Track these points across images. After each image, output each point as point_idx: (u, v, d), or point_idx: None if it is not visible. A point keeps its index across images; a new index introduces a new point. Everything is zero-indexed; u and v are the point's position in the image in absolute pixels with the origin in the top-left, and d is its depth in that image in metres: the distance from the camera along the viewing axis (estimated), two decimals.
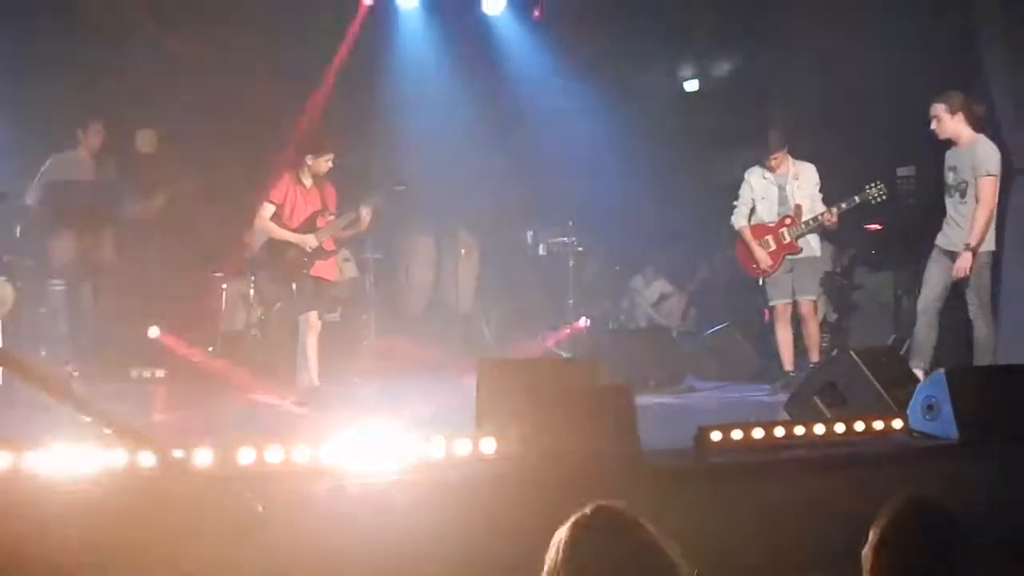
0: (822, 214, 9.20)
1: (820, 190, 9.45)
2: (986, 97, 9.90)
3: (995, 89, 9.90)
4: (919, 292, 8.72)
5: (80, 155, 9.45)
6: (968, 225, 8.34)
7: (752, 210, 9.53)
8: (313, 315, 8.82)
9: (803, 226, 9.28)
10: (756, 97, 12.78)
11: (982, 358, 8.30)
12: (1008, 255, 9.93)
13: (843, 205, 9.15)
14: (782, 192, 9.43)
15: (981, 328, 8.40)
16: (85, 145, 9.49)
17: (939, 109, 8.41)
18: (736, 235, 9.69)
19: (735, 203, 9.61)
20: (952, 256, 8.46)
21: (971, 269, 8.31)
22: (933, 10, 10.26)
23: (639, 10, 12.47)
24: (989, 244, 8.44)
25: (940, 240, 8.61)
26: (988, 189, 8.30)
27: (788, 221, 9.33)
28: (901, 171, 10.86)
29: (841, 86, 11.15)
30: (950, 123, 8.40)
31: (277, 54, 11.67)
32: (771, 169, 9.41)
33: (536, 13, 13.40)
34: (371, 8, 12.76)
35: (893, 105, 10.20)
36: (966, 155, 8.40)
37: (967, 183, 8.36)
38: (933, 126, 8.46)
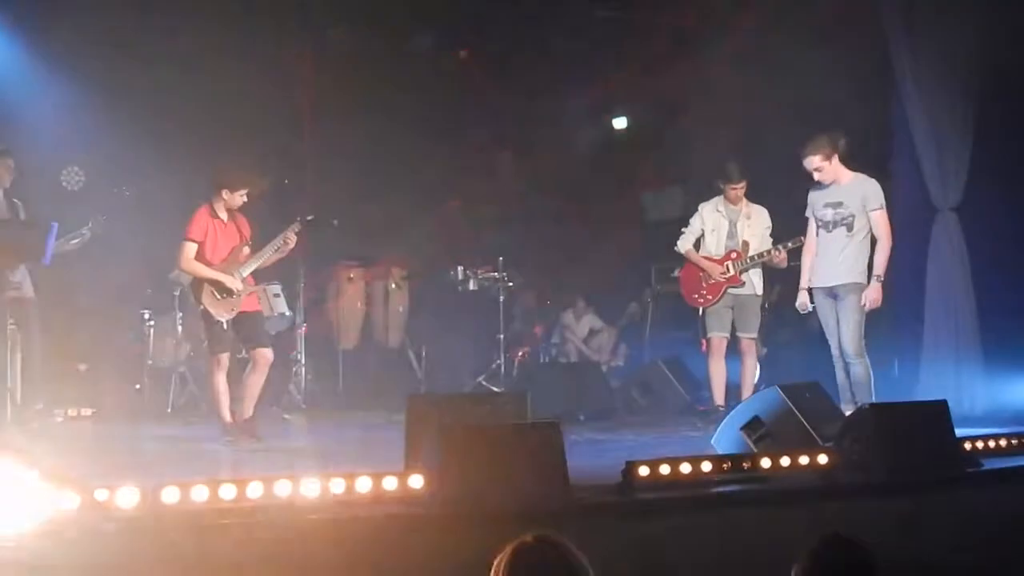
0: (769, 251, 9.23)
1: (771, 233, 9.49)
2: (910, 143, 10.12)
3: (918, 137, 10.10)
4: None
5: None
6: (852, 259, 8.34)
7: (699, 241, 9.56)
8: (224, 356, 8.65)
9: (748, 260, 9.34)
10: (685, 136, 12.90)
11: (862, 396, 8.19)
12: (929, 297, 10.10)
13: (789, 244, 9.14)
14: (732, 227, 9.45)
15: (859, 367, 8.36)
16: None
17: (816, 161, 8.36)
18: (673, 270, 9.69)
19: (683, 230, 9.62)
20: (831, 292, 8.45)
21: (857, 307, 8.30)
22: (857, 60, 10.46)
23: (564, 46, 12.56)
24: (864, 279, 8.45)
25: (818, 281, 8.54)
26: (886, 221, 8.37)
27: (734, 255, 9.38)
28: None
29: (762, 130, 11.25)
30: (830, 168, 8.39)
31: (205, 89, 11.61)
32: (729, 200, 9.44)
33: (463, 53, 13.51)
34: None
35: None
36: (855, 190, 8.40)
37: (854, 216, 8.37)
38: (817, 177, 8.43)
